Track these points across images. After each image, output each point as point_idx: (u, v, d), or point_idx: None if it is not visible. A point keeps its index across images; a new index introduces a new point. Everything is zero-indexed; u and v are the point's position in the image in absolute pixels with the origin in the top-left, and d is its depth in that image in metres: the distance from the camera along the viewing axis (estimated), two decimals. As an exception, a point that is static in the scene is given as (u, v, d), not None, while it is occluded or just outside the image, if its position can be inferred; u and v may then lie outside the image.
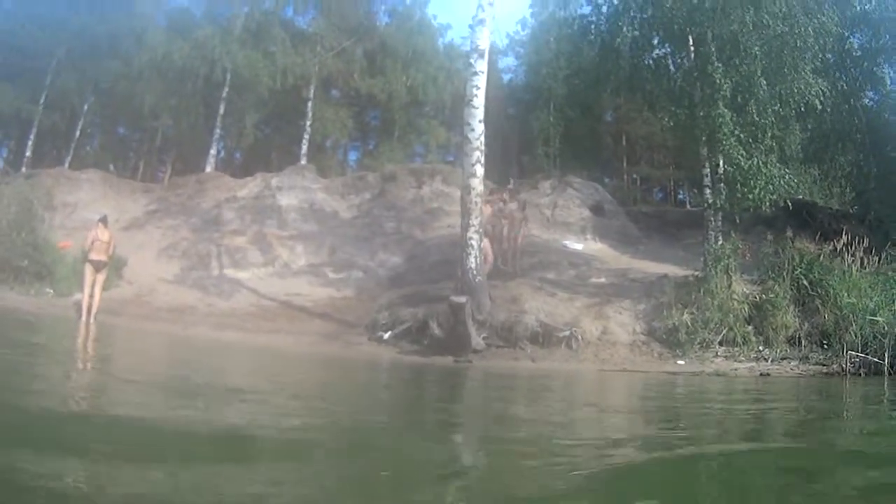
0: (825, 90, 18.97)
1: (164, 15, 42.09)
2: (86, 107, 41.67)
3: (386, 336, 16.45)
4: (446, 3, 73.78)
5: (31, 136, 39.81)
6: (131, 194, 31.97)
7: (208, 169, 37.20)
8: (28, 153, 39.55)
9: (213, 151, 38.96)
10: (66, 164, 37.81)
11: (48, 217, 24.33)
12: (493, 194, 22.19)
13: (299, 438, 4.35)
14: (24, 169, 36.80)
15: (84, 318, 16.29)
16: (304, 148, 40.28)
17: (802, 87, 18.41)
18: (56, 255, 21.46)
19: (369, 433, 4.89)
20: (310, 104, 40.79)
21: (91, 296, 16.70)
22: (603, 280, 19.48)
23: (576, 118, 43.77)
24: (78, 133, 42.19)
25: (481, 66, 17.84)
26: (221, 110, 38.78)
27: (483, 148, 17.35)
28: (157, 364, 10.18)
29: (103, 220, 18.17)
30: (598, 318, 16.11)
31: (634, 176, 49.21)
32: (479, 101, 17.51)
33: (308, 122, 40.60)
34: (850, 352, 14.33)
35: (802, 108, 19.24)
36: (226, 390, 7.20)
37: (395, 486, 3.20)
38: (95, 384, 6.69)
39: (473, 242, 16.80)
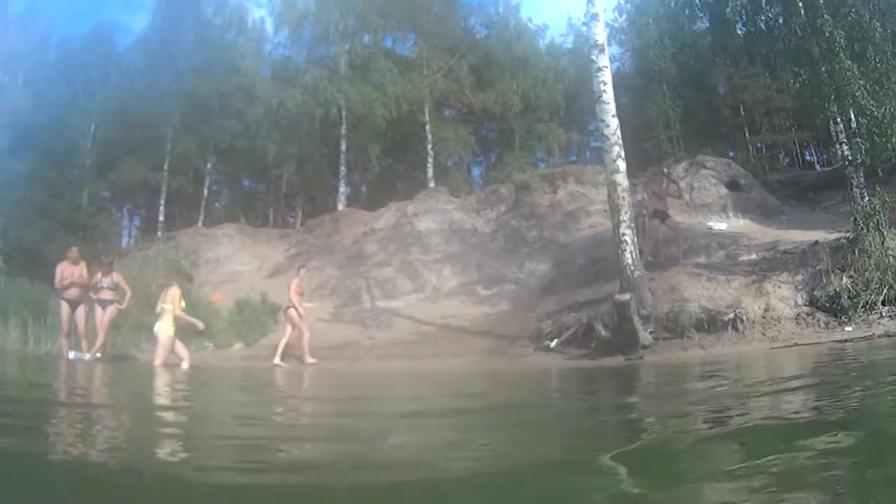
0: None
1: (269, 67, 43.39)
2: (209, 166, 42.84)
3: (553, 344, 16.48)
4: (537, 4, 73.50)
5: (162, 201, 41.27)
6: (269, 242, 32.78)
7: (340, 206, 37.93)
8: (161, 218, 40.90)
9: (341, 188, 39.72)
10: (200, 223, 39.09)
11: (195, 275, 25.30)
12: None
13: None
14: (159, 233, 38.22)
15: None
16: (430, 171, 40.56)
17: (913, 19, 18.19)
18: (211, 310, 22.31)
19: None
20: (427, 127, 41.10)
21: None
22: (754, 256, 19.15)
23: (691, 96, 43.24)
24: (206, 192, 43.48)
25: (603, 60, 17.80)
26: (343, 147, 39.47)
27: (621, 142, 17.34)
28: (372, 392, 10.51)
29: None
30: (758, 296, 15.96)
31: (759, 144, 48.30)
32: (609, 95, 17.46)
33: (430, 145, 40.93)
34: None
35: (918, 44, 18.94)
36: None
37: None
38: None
39: (627, 238, 16.80)
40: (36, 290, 24.03)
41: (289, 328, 18.62)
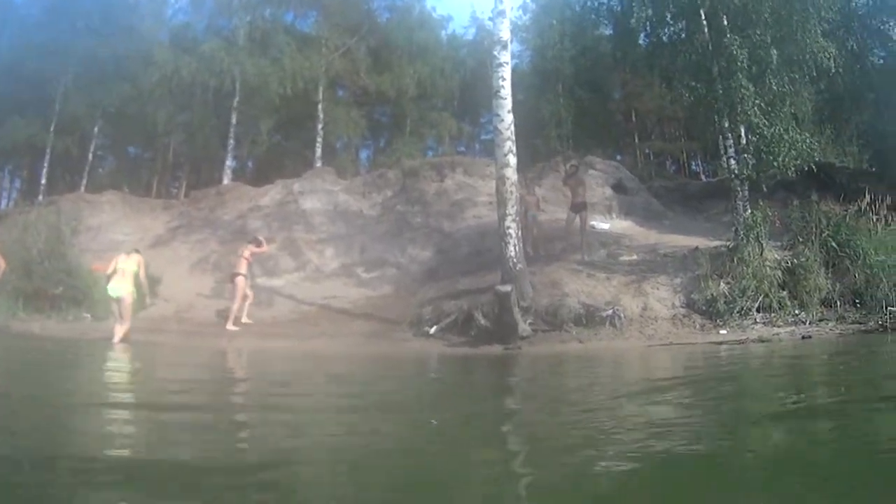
0: (835, 52, 19.24)
1: (167, 32, 42.41)
2: (96, 129, 42.00)
3: (432, 330, 16.67)
4: (443, -6, 73.89)
5: (45, 164, 40.19)
6: (151, 212, 32.11)
7: (226, 180, 37.39)
8: (43, 180, 39.88)
9: (228, 162, 39.19)
10: (82, 188, 38.07)
11: (76, 242, 24.68)
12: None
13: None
14: (40, 197, 37.19)
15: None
16: (319, 151, 40.31)
17: (815, 50, 18.72)
18: (90, 280, 21.80)
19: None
20: (320, 106, 40.87)
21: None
22: (635, 257, 19.61)
23: (585, 98, 43.83)
24: (91, 156, 42.57)
25: (505, 57, 18.10)
26: (234, 120, 39.00)
27: (514, 137, 17.65)
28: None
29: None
30: (637, 295, 16.36)
31: (647, 151, 49.18)
32: (507, 91, 17.77)
33: (320, 125, 40.69)
34: (890, 308, 14.66)
35: (814, 73, 19.59)
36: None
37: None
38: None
39: (511, 231, 17.09)
40: None
41: (238, 294, 19.41)
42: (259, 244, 21.16)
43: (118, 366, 11.10)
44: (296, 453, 4.10)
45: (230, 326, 18.74)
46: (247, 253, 20.34)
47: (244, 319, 19.35)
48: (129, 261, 15.91)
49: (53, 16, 39.46)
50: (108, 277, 15.86)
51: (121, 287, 15.56)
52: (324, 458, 3.97)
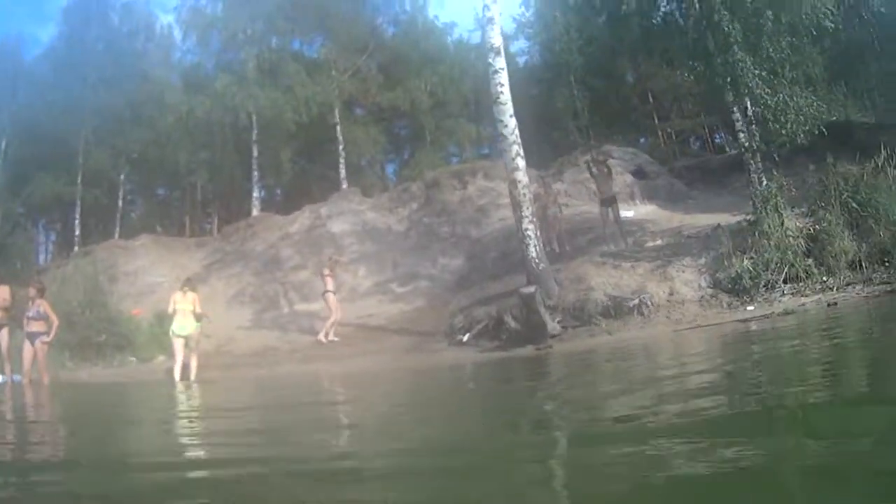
0: (832, 9, 19.05)
1: (179, 74, 42.84)
2: (122, 177, 42.75)
3: (465, 338, 16.92)
4: (443, 2, 74.05)
5: (77, 215, 40.79)
6: (186, 251, 32.57)
7: (255, 212, 37.77)
8: (77, 232, 40.53)
9: (255, 193, 39.55)
10: (116, 235, 38.63)
11: (114, 289, 25.08)
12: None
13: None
14: (76, 248, 37.75)
15: None
16: (343, 172, 40.39)
17: (809, 10, 18.56)
18: (132, 324, 22.19)
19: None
20: (338, 128, 40.96)
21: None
22: (659, 242, 19.53)
23: (599, 86, 43.62)
24: (120, 203, 43.23)
25: (500, 63, 18.30)
26: (255, 153, 39.35)
27: (519, 140, 17.88)
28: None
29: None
30: (663, 281, 16.24)
31: (669, 130, 48.63)
32: (506, 97, 17.97)
33: (341, 146, 40.78)
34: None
35: (814, 32, 19.43)
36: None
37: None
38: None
39: (530, 233, 17.39)
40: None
41: (332, 309, 20.87)
42: (333, 262, 22.38)
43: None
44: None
45: (321, 338, 20.49)
46: (326, 271, 21.40)
47: (331, 337, 20.45)
48: (187, 299, 16.26)
49: (64, 72, 40.04)
50: (171, 317, 16.23)
51: (187, 325, 16.07)
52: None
